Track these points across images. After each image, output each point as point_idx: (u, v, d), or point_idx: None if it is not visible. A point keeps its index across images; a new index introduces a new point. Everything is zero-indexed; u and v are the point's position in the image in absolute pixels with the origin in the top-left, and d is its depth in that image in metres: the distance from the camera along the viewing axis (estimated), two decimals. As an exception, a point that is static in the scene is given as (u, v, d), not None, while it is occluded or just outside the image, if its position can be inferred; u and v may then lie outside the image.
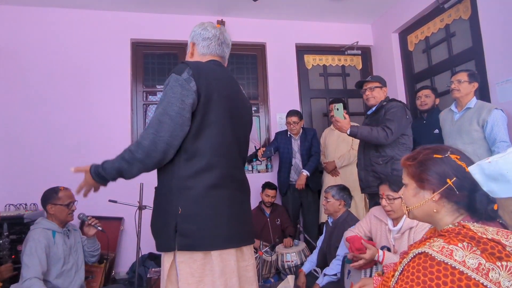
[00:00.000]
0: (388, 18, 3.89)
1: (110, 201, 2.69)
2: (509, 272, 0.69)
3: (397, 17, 3.72)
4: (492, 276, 0.68)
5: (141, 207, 2.64)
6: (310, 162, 3.36)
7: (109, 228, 3.10)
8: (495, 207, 0.78)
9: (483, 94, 2.73)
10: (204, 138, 1.16)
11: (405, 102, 3.68)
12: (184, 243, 1.11)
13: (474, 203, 0.80)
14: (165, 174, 1.19)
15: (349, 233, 2.05)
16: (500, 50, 2.53)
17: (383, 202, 1.86)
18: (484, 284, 0.68)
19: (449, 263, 0.71)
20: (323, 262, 2.45)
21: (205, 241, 1.12)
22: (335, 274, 2.17)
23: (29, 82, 3.28)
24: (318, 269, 2.47)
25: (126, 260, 3.21)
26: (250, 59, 3.99)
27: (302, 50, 4.10)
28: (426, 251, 0.75)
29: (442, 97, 3.31)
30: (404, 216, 1.81)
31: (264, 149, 3.35)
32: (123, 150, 1.15)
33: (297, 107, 3.88)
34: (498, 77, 2.55)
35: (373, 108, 2.48)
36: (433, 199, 0.86)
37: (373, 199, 2.41)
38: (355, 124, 3.14)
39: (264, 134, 3.93)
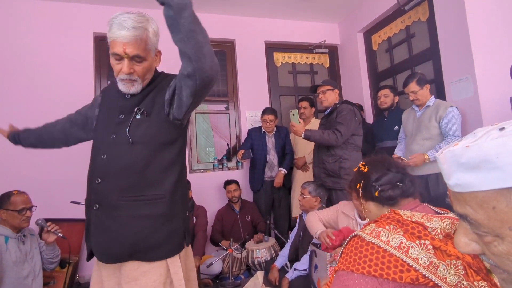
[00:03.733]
0: (354, 18, 4.01)
1: (72, 202, 2.57)
2: (426, 249, 0.77)
3: (362, 18, 3.85)
4: (411, 252, 0.77)
5: (106, 208, 2.55)
6: (286, 160, 3.42)
7: (73, 231, 2.96)
8: (376, 194, 1.01)
9: (439, 92, 2.91)
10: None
11: (358, 103, 3.80)
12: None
13: (373, 195, 1.04)
14: (171, 184, 1.18)
15: (312, 215, 2.09)
16: (454, 51, 2.70)
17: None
18: (404, 259, 0.76)
19: (375, 243, 0.80)
20: (294, 255, 2.50)
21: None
22: (305, 269, 2.22)
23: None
24: (288, 264, 2.52)
25: (91, 263, 3.07)
26: (219, 55, 3.95)
27: (271, 48, 4.13)
28: (358, 234, 0.84)
29: (403, 95, 3.47)
30: None
31: (243, 151, 3.34)
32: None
33: (267, 105, 3.90)
34: (452, 77, 2.72)
35: (328, 110, 2.70)
36: (363, 202, 1.08)
37: (328, 193, 2.56)
38: (317, 120, 3.29)
39: (235, 131, 3.92)
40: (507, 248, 0.43)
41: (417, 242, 0.78)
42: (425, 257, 0.76)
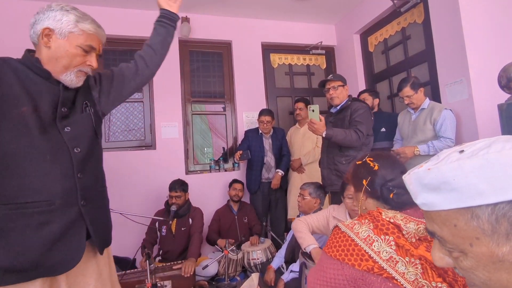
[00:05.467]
0: (350, 20, 4.02)
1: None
2: (388, 244, 0.85)
3: (359, 19, 3.86)
4: (374, 245, 0.85)
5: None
6: (283, 162, 3.43)
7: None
8: (391, 195, 0.97)
9: (434, 94, 2.93)
10: None
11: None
12: None
13: (384, 195, 1.00)
14: (103, 174, 1.28)
15: (300, 223, 2.02)
16: (449, 53, 2.71)
17: (349, 201, 1.86)
18: (366, 250, 0.84)
19: (347, 233, 0.89)
20: (291, 256, 2.50)
21: None
22: (301, 271, 2.22)
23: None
24: (284, 265, 2.52)
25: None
26: (216, 57, 3.96)
27: (268, 49, 4.13)
28: (338, 225, 0.93)
29: (397, 97, 3.49)
30: None
31: (241, 152, 3.33)
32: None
33: (264, 106, 3.91)
34: (447, 79, 2.73)
35: (338, 107, 2.53)
36: (362, 198, 1.04)
37: (336, 197, 2.47)
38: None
39: (231, 133, 3.92)
40: (470, 263, 0.46)
41: (382, 237, 0.86)
42: (386, 252, 0.83)
